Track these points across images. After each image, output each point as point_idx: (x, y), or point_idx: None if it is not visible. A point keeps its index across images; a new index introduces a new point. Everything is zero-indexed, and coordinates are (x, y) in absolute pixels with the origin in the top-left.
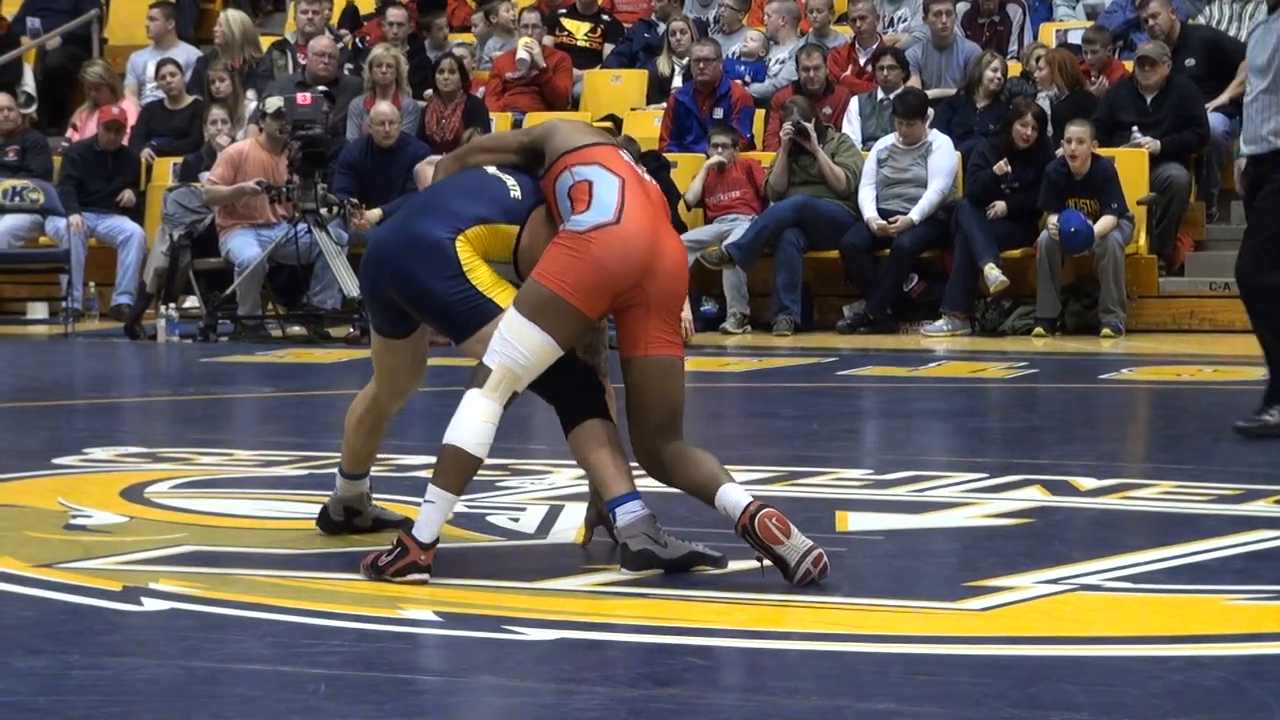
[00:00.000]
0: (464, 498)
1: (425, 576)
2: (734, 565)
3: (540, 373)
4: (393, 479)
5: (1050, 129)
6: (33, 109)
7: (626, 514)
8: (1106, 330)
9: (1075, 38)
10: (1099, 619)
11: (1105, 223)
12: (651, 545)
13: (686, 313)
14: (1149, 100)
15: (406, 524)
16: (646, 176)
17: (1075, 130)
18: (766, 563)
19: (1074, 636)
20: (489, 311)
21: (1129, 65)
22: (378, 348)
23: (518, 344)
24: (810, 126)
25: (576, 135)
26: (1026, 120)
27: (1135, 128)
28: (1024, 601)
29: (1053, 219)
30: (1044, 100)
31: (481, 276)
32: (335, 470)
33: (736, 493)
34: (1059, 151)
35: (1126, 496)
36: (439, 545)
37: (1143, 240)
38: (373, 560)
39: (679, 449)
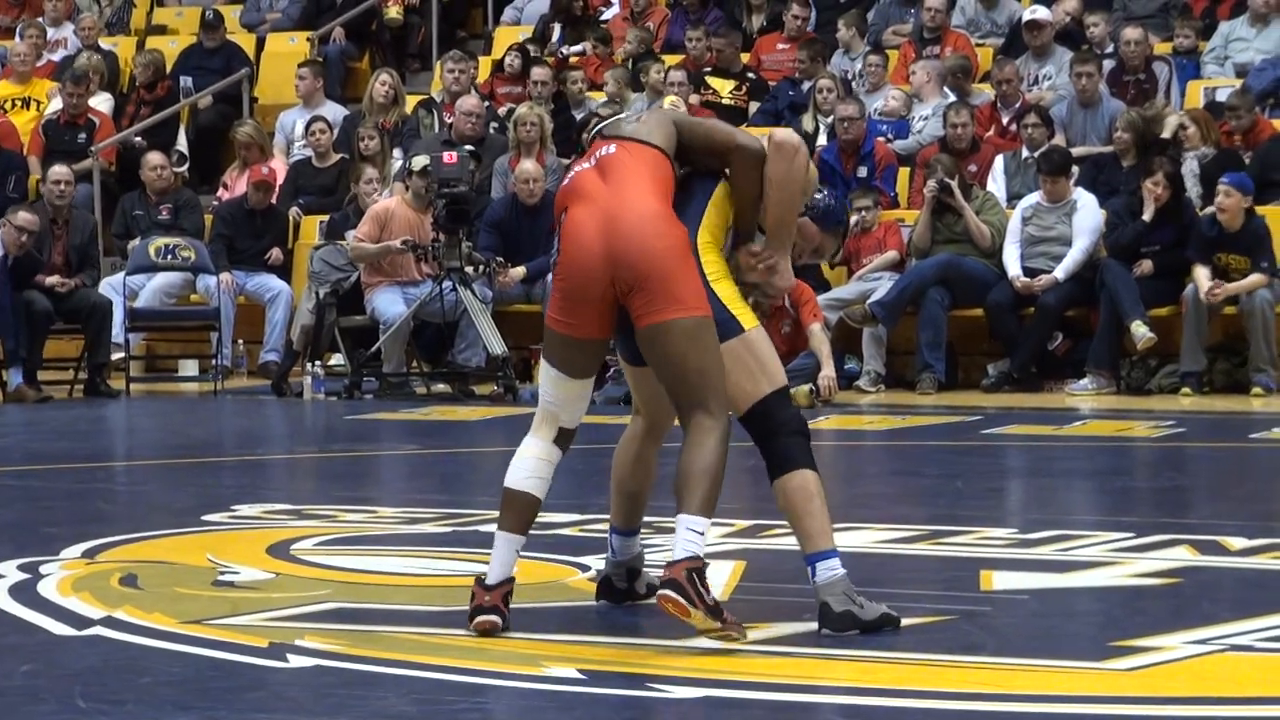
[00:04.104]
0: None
1: (495, 619)
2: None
3: (572, 405)
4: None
5: (1199, 188)
6: (185, 168)
7: (827, 570)
8: (1257, 389)
9: (1223, 95)
10: (1249, 680)
11: (1255, 279)
12: (852, 607)
13: (829, 370)
14: None
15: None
16: (603, 153)
17: (1225, 185)
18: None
19: (1223, 697)
20: (731, 330)
21: (1278, 123)
22: (633, 379)
23: (543, 383)
24: (954, 184)
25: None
26: (1158, 179)
27: None
28: (1172, 662)
29: (1203, 279)
30: (1192, 159)
31: (726, 290)
32: (607, 531)
33: (677, 544)
34: (1208, 209)
35: (1278, 556)
36: (581, 604)
37: None
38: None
39: (690, 435)
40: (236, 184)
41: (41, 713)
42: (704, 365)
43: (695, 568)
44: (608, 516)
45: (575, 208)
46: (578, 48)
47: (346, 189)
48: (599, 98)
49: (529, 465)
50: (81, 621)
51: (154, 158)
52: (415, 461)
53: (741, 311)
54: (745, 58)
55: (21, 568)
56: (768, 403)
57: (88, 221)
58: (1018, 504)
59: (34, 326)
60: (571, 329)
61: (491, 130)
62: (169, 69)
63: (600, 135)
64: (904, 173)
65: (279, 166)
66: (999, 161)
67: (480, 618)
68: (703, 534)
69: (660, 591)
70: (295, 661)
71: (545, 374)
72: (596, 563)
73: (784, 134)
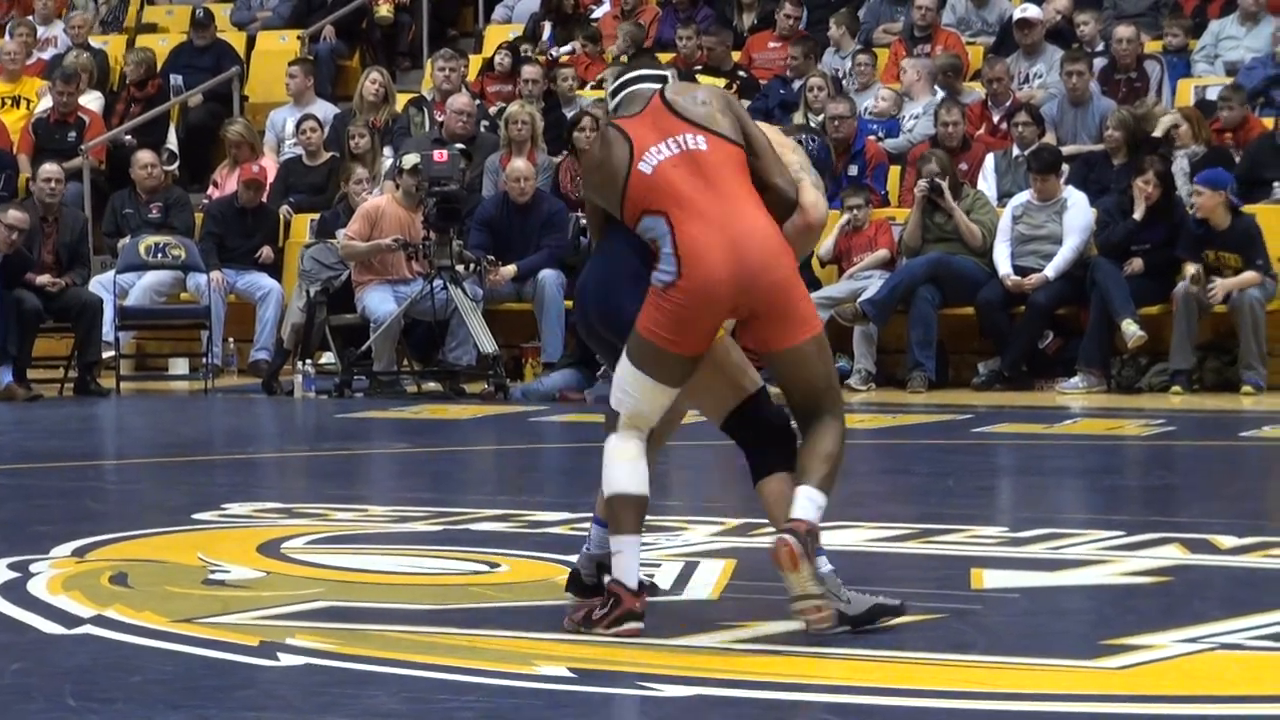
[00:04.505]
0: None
1: (640, 625)
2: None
3: (662, 409)
4: (526, 534)
5: (1190, 187)
6: (175, 166)
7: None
8: (1247, 387)
9: (1213, 94)
10: (1239, 678)
11: (1247, 277)
12: (838, 604)
13: None
14: None
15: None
16: (682, 143)
17: (1198, 185)
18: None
19: (1213, 695)
20: None
21: (1268, 122)
22: None
23: (631, 389)
24: (945, 183)
25: (610, 194)
26: (1148, 178)
27: (1277, 184)
28: (1162, 660)
29: (1190, 268)
30: (1183, 158)
31: None
32: (591, 522)
33: (798, 504)
34: (1187, 195)
35: (1268, 555)
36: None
37: None
38: (585, 614)
39: (815, 427)
40: (227, 182)
41: (32, 711)
42: (830, 373)
43: (814, 531)
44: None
45: (691, 226)
46: (567, 48)
47: (337, 187)
48: (589, 96)
49: (633, 467)
50: (72, 620)
51: (144, 156)
52: (406, 460)
53: None
54: (736, 56)
55: (11, 566)
56: (749, 405)
57: (78, 220)
58: (1008, 502)
59: (24, 325)
60: (681, 347)
61: (482, 129)
62: (159, 67)
63: (666, 105)
64: (895, 171)
65: (269, 165)
66: (989, 160)
67: (631, 624)
68: (821, 508)
69: (781, 535)
70: (286, 660)
71: (638, 383)
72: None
73: (818, 207)
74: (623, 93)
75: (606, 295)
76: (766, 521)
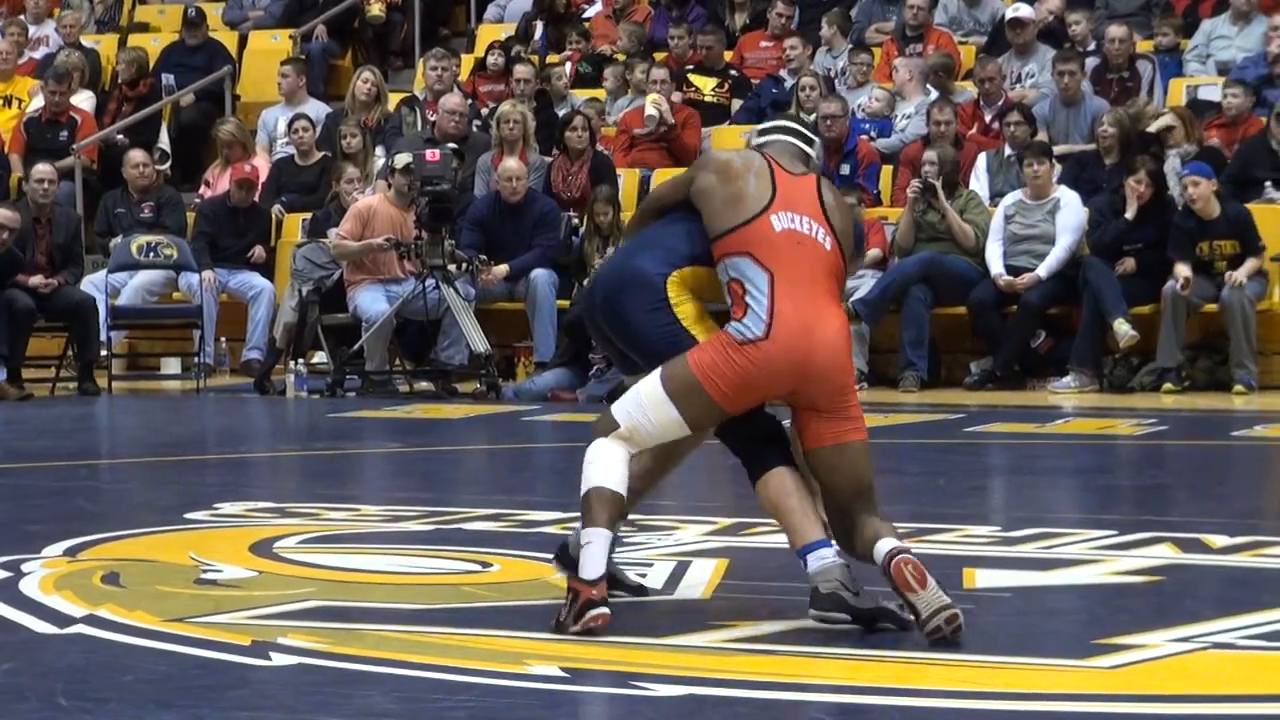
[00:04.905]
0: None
1: (605, 611)
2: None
3: (668, 440)
4: (518, 534)
5: (1175, 188)
6: (167, 165)
7: (819, 559)
8: (1239, 386)
9: (1205, 93)
10: (1232, 677)
11: (1250, 266)
12: (843, 591)
13: None
14: None
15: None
16: (806, 229)
17: (1188, 176)
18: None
19: (1206, 695)
20: (684, 344)
21: (1261, 120)
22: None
23: (649, 412)
24: (938, 183)
25: (729, 210)
26: (1140, 177)
27: (1269, 183)
28: (1155, 660)
29: (1181, 270)
30: (1175, 158)
31: (687, 311)
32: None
33: (887, 541)
34: (1179, 195)
35: (1260, 554)
36: (557, 599)
37: (1277, 296)
38: (554, 620)
39: (863, 520)
40: (219, 182)
41: (23, 711)
42: (870, 478)
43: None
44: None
45: (789, 299)
46: (562, 55)
47: (329, 187)
48: (581, 95)
49: (616, 468)
50: (63, 619)
51: (136, 155)
52: (398, 459)
53: (701, 332)
54: (728, 55)
55: (3, 566)
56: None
57: (72, 219)
58: (1000, 502)
59: (17, 325)
60: (730, 404)
61: (474, 128)
62: (151, 67)
63: (819, 191)
64: (887, 170)
65: (261, 164)
66: (981, 159)
67: (594, 612)
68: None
69: (905, 556)
70: (278, 659)
71: (661, 412)
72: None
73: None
74: (776, 136)
75: (618, 294)
76: (758, 520)
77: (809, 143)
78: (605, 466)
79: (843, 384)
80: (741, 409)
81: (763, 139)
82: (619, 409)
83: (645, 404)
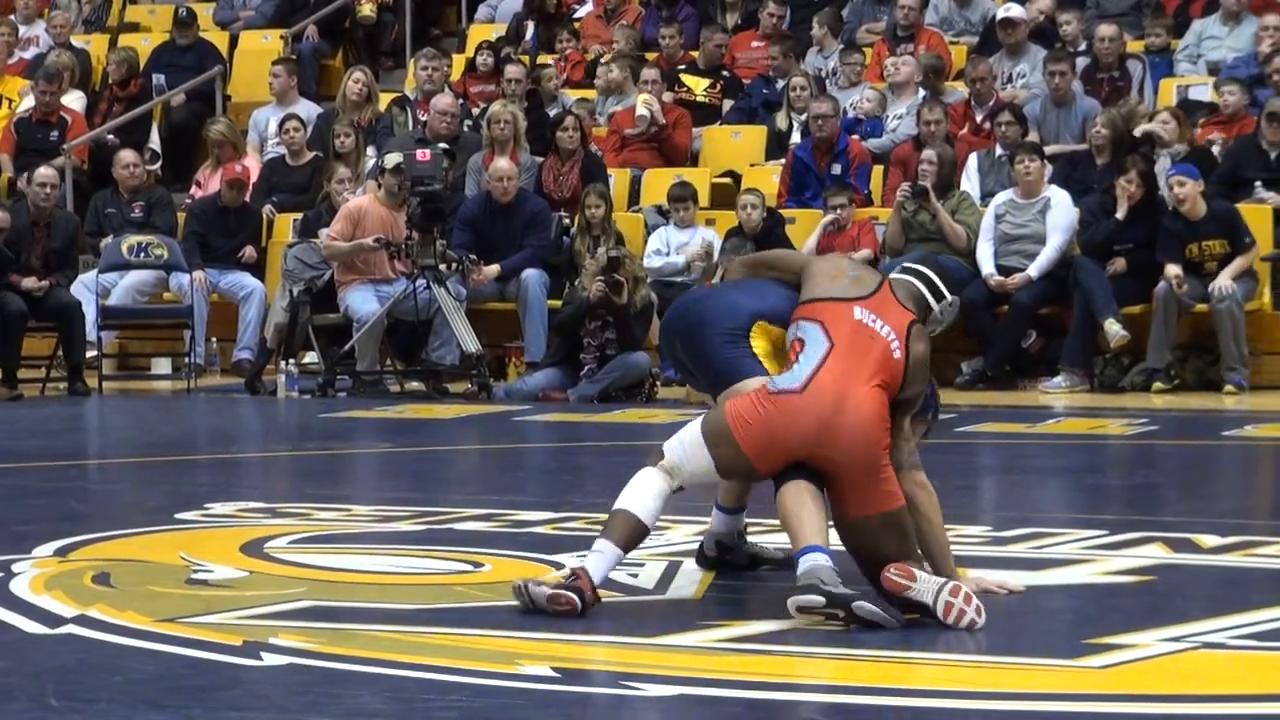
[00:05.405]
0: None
1: (577, 602)
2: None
3: (700, 482)
4: (509, 534)
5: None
6: (158, 165)
7: (809, 561)
8: (1229, 387)
9: (1196, 94)
10: (1222, 677)
11: (1238, 264)
12: (821, 582)
13: None
14: (1274, 156)
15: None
16: (882, 331)
17: (1175, 177)
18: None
19: (1196, 695)
20: (747, 369)
21: (1253, 120)
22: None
23: (689, 450)
24: (928, 185)
25: (824, 283)
26: (1131, 177)
27: (1258, 183)
28: (1145, 659)
29: (1172, 271)
30: (1166, 158)
31: (761, 345)
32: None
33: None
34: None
35: (1251, 554)
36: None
37: (1267, 297)
38: (532, 581)
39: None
40: (210, 182)
41: (14, 711)
42: (900, 552)
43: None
44: (581, 515)
45: (836, 369)
46: (555, 58)
47: (320, 187)
48: (573, 95)
49: (652, 503)
50: (54, 620)
51: (126, 155)
52: (389, 460)
53: (772, 367)
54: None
55: None
56: None
57: (70, 223)
58: (991, 502)
59: (8, 326)
60: (759, 458)
61: (465, 128)
62: (142, 67)
63: (911, 329)
64: (878, 171)
65: (252, 164)
66: (973, 160)
67: (568, 594)
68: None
69: (889, 566)
70: (269, 660)
71: (698, 453)
72: (571, 561)
73: (927, 501)
74: (908, 277)
75: (702, 328)
76: (749, 520)
77: (937, 297)
78: (639, 493)
79: (872, 458)
80: (768, 465)
81: (898, 273)
82: (670, 442)
83: (687, 442)
